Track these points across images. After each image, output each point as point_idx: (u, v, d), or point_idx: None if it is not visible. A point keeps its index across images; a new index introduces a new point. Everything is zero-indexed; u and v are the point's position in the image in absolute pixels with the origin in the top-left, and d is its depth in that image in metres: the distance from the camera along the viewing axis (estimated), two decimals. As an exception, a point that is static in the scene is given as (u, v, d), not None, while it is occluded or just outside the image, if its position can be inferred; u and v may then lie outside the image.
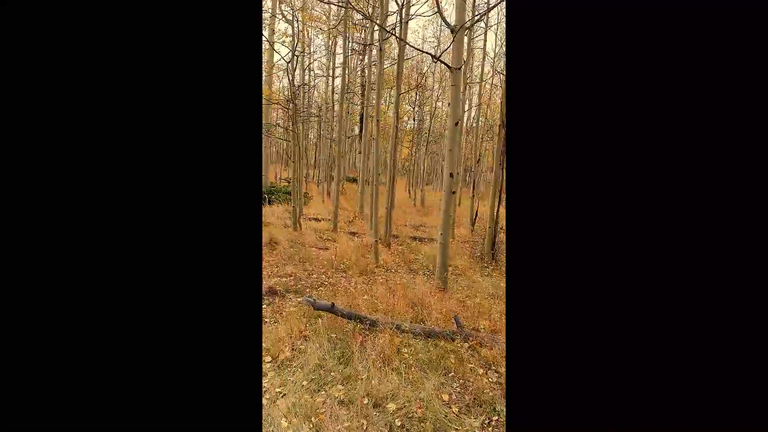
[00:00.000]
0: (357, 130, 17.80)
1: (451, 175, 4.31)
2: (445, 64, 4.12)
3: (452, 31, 4.21)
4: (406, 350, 2.84)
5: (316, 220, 8.51)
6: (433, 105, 13.60)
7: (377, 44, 5.51)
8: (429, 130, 13.16)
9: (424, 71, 12.09)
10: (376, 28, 6.14)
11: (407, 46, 5.31)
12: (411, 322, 3.33)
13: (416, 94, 11.82)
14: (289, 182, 14.86)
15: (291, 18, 6.54)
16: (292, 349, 2.82)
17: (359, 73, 14.09)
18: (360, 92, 14.77)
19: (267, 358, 2.70)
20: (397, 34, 5.56)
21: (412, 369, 2.60)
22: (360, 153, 16.67)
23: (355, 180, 16.30)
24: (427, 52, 3.93)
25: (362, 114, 15.66)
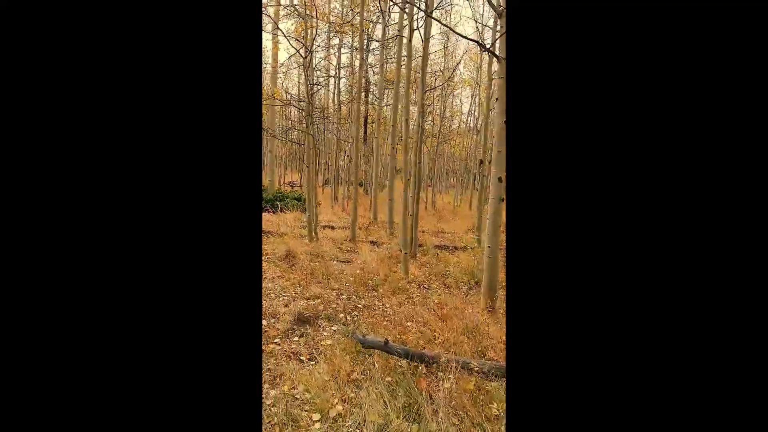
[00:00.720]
0: (357, 131, 17.25)
1: (500, 179, 3.80)
2: (493, 53, 3.61)
3: (499, 16, 3.71)
4: (484, 397, 2.32)
5: (330, 228, 7.97)
6: (443, 104, 13.09)
7: (405, 35, 5.00)
8: (439, 131, 12.65)
9: (435, 70, 11.60)
10: (404, 16, 5.65)
11: (430, 39, 4.83)
12: (473, 356, 2.81)
13: (423, 93, 11.30)
14: (292, 187, 14.32)
15: (303, 12, 6.04)
16: (343, 401, 2.29)
17: (364, 72, 13.57)
18: (365, 92, 14.26)
19: (315, 416, 2.17)
20: (431, 21, 5.05)
21: (501, 426, 2.08)
22: (364, 155, 16.16)
23: (360, 183, 15.77)
24: (474, 40, 3.43)
25: (366, 115, 15.15)
